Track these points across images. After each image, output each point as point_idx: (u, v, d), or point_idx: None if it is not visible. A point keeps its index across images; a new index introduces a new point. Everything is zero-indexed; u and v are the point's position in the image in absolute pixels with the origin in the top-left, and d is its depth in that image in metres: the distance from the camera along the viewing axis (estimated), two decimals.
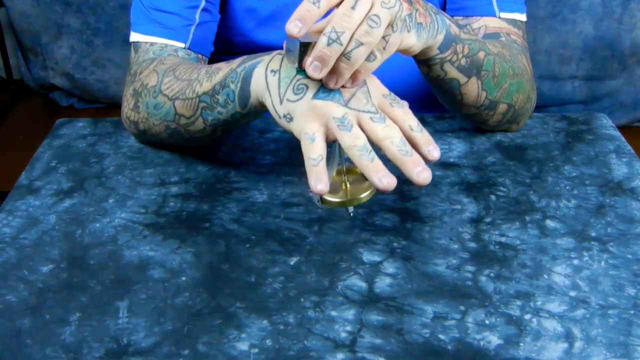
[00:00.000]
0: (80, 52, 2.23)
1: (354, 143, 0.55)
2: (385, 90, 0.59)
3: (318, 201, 0.61)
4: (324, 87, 0.58)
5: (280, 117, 0.59)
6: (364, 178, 0.61)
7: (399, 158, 0.55)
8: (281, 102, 0.59)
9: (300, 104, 0.58)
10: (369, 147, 0.55)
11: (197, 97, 0.69)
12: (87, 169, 0.81)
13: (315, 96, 0.57)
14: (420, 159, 0.55)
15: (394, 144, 0.55)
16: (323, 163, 0.55)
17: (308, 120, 0.57)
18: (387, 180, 0.54)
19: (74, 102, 2.33)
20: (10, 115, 2.31)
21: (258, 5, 0.89)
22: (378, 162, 0.54)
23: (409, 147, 0.55)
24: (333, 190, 0.60)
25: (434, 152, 0.57)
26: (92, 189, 0.77)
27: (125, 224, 0.71)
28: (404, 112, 0.58)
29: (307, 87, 0.58)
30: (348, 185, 0.61)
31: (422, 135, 0.57)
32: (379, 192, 0.58)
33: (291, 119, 0.58)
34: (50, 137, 0.88)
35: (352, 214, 0.64)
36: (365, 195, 0.60)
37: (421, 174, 0.55)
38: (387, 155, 0.55)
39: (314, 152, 0.55)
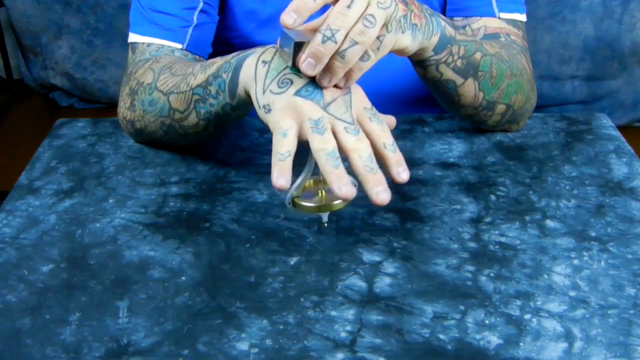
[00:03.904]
0: (80, 52, 2.23)
1: (322, 147, 0.55)
2: (368, 104, 0.59)
3: (289, 204, 0.61)
4: (307, 86, 0.57)
5: (259, 107, 0.59)
6: None
7: (363, 174, 0.54)
8: (264, 92, 0.59)
9: (280, 98, 0.58)
10: (337, 154, 0.55)
11: (191, 89, 0.69)
12: (87, 169, 0.81)
13: (297, 93, 0.57)
14: (383, 179, 0.55)
15: (361, 158, 0.55)
16: (290, 160, 0.55)
17: (285, 116, 0.57)
18: (345, 190, 0.53)
19: (74, 102, 2.33)
20: (10, 115, 2.31)
21: (258, 7, 0.89)
22: (342, 170, 0.54)
23: (375, 164, 0.55)
24: (308, 195, 0.61)
25: (403, 174, 0.56)
26: (92, 189, 0.77)
27: (125, 224, 0.71)
28: (381, 128, 0.58)
29: (291, 83, 0.58)
30: (323, 193, 0.61)
31: (394, 155, 0.57)
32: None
33: (269, 111, 0.58)
34: (50, 137, 0.88)
35: (326, 225, 0.64)
36: (337, 203, 0.60)
37: (380, 195, 0.54)
38: (352, 168, 0.55)
39: (283, 148, 0.55)
